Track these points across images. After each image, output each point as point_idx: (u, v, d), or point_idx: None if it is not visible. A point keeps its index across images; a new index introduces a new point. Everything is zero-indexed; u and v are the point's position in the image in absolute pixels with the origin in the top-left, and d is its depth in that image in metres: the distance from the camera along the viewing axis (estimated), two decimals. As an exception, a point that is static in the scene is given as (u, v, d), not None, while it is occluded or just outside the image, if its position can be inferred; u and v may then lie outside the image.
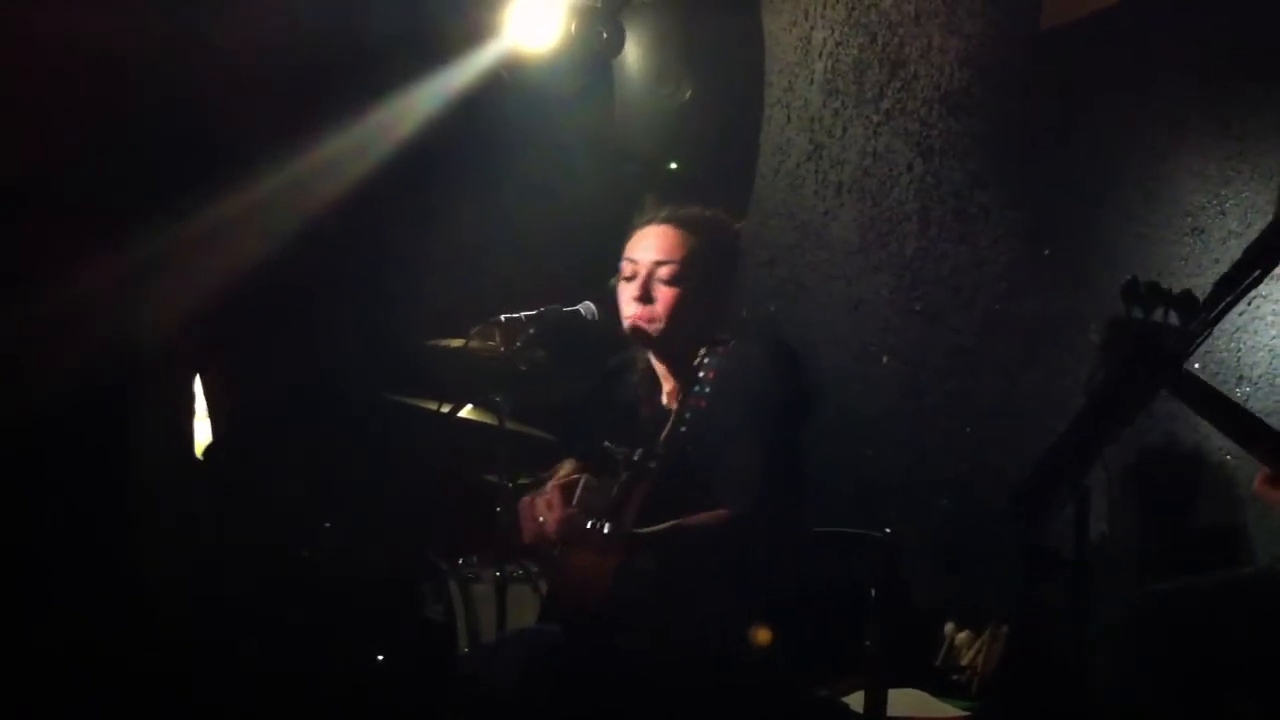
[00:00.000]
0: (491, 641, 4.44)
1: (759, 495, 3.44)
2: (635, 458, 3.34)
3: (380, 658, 4.81)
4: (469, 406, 5.04)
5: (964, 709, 4.28)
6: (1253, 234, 3.34)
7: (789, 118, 5.59)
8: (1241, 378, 4.18)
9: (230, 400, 5.09)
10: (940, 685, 4.45)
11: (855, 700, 3.73)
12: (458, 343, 4.72)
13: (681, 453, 3.57)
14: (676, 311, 3.67)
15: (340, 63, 5.24)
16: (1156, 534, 4.35)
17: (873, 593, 3.69)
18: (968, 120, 5.03)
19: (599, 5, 5.53)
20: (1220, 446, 4.16)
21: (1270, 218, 3.62)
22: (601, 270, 3.78)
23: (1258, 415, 3.22)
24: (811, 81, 5.51)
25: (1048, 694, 4.11)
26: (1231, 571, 3.36)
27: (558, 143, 5.73)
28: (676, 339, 3.69)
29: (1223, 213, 4.28)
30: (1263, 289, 3.60)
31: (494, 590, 4.70)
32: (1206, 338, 3.07)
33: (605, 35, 5.56)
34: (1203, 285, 3.32)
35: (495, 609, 4.66)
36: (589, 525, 3.25)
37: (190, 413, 4.95)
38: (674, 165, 5.77)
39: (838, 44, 5.42)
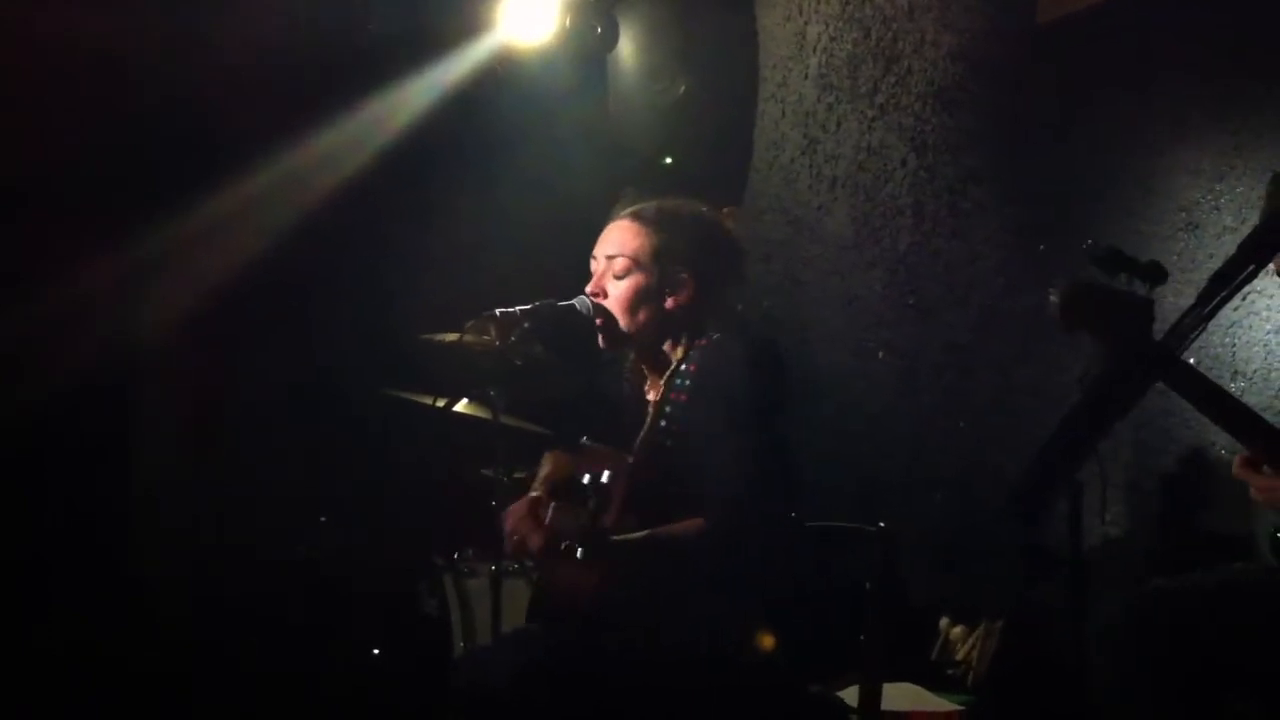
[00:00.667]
0: (486, 644, 4.43)
1: (739, 497, 3.42)
2: (605, 479, 3.33)
3: (376, 653, 4.82)
4: (464, 401, 5.04)
5: (959, 703, 4.29)
6: (1248, 229, 3.34)
7: (783, 112, 5.60)
8: (1236, 373, 4.19)
9: (228, 398, 5.09)
10: (935, 679, 4.46)
11: (851, 695, 3.74)
12: (452, 337, 4.72)
13: (661, 447, 3.58)
14: (628, 306, 3.67)
15: (336, 59, 5.24)
16: (1154, 531, 4.36)
17: (868, 587, 3.70)
18: (962, 115, 5.04)
19: (593, 0, 5.53)
20: (1215, 442, 4.17)
21: (1263, 217, 3.62)
22: (590, 266, 3.78)
23: (1252, 409, 3.22)
24: (806, 76, 5.51)
25: (1042, 689, 4.12)
26: (1231, 569, 3.35)
27: (553, 138, 5.72)
28: (638, 333, 3.69)
29: (1218, 208, 4.28)
30: (1257, 284, 3.61)
31: (489, 585, 4.70)
32: (1201, 332, 3.07)
33: (600, 30, 5.56)
34: (1197, 280, 3.33)
35: (490, 604, 4.66)
36: (563, 546, 3.25)
37: (190, 412, 4.95)
38: (669, 160, 5.77)
39: (832, 39, 5.42)
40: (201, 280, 4.92)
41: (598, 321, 3.67)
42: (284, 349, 5.27)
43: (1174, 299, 4.27)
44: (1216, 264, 3.09)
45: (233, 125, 4.90)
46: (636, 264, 3.66)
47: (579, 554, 3.21)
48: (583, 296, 3.71)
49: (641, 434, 3.62)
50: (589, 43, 5.59)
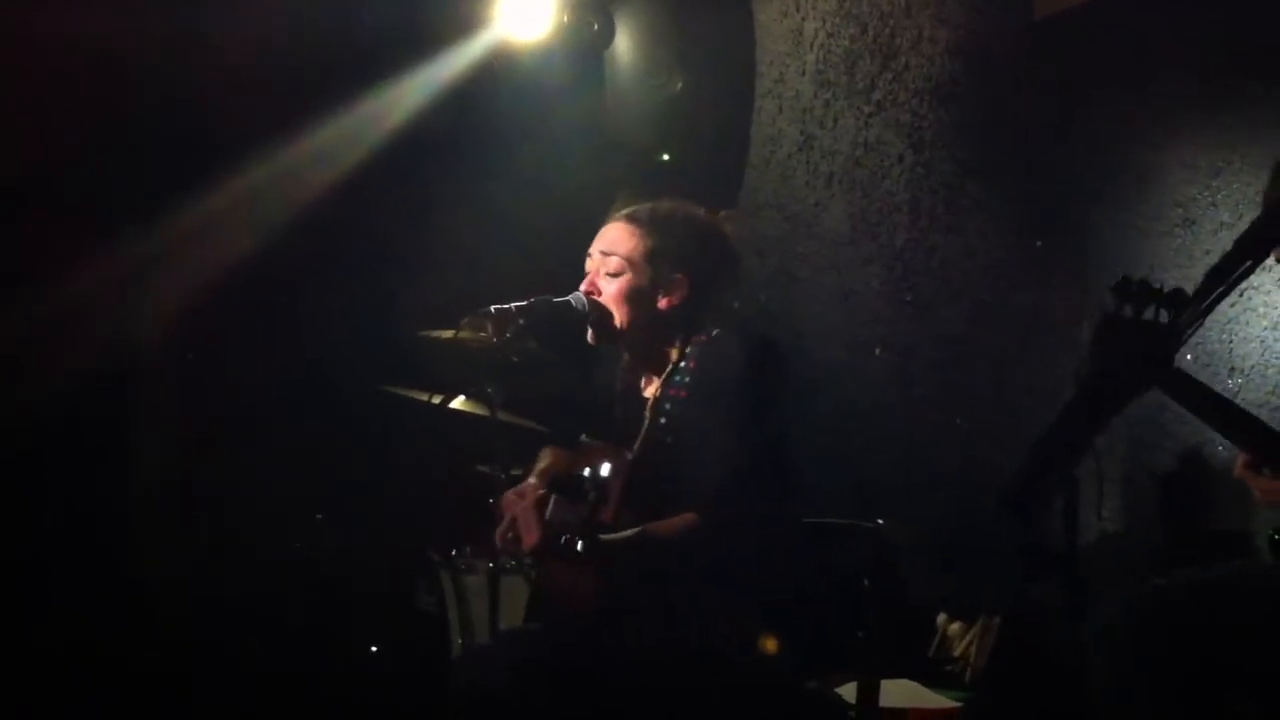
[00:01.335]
0: (485, 642, 4.44)
1: (733, 493, 3.43)
2: (604, 473, 3.33)
3: (374, 650, 4.82)
4: (460, 398, 5.04)
5: (956, 700, 4.29)
6: (1244, 226, 3.34)
7: (780, 109, 5.60)
8: (1233, 369, 4.19)
9: (226, 397, 5.09)
10: (933, 676, 4.46)
11: (849, 691, 3.74)
12: (448, 334, 4.72)
13: (660, 444, 3.58)
14: (621, 304, 3.67)
15: (334, 57, 5.24)
16: (1152, 527, 4.36)
17: (866, 584, 3.70)
18: (959, 111, 5.04)
19: (590, -4, 5.54)
20: (1213, 438, 4.17)
21: (1261, 209, 3.62)
22: (586, 264, 3.78)
23: (1248, 407, 3.23)
24: (803, 73, 5.51)
25: (1040, 686, 4.13)
26: (1230, 567, 3.35)
27: (549, 134, 5.72)
28: (630, 332, 3.69)
29: (1214, 204, 4.29)
30: (1254, 280, 3.62)
31: (487, 581, 4.70)
32: (1198, 329, 3.07)
33: (596, 27, 5.56)
34: (1194, 277, 3.32)
35: (488, 600, 4.67)
36: (563, 540, 3.25)
37: (189, 412, 4.95)
38: (665, 157, 5.77)
39: (829, 35, 5.42)
40: (201, 279, 4.92)
41: (591, 318, 3.68)
42: (281, 347, 5.27)
43: (1171, 295, 4.28)
44: (1213, 260, 3.09)
45: (231, 124, 4.91)
46: (629, 264, 3.67)
47: (579, 548, 3.20)
48: (578, 293, 3.71)
49: (641, 431, 3.62)
50: (586, 39, 5.59)
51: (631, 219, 3.73)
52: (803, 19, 5.51)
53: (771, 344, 3.69)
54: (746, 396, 3.52)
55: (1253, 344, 4.17)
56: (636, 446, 3.60)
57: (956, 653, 4.60)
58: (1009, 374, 4.77)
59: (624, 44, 5.71)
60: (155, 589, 4.70)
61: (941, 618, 4.69)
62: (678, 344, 3.68)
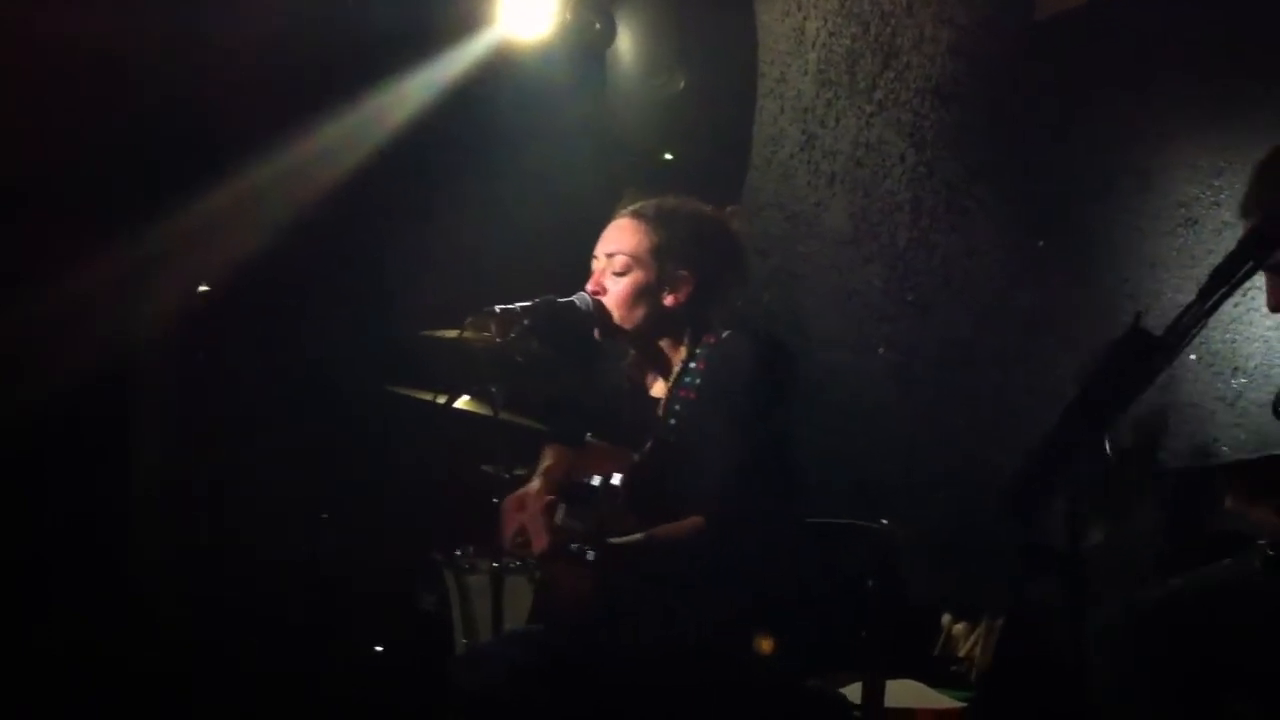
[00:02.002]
0: (489, 642, 4.43)
1: (741, 497, 3.42)
2: (616, 481, 3.32)
3: (377, 650, 4.82)
4: (464, 398, 5.05)
5: (961, 700, 4.29)
6: (1246, 225, 3.35)
7: (782, 108, 5.60)
8: (1236, 369, 4.19)
9: (227, 397, 5.09)
10: (938, 676, 4.46)
11: (853, 691, 3.74)
12: (452, 334, 4.72)
13: (668, 445, 3.57)
14: (627, 303, 3.66)
15: (335, 57, 5.24)
16: (1154, 528, 4.35)
17: (870, 584, 3.70)
18: (960, 111, 5.04)
19: (591, -6, 5.54)
20: (1217, 438, 4.17)
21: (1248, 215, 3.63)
22: (591, 265, 3.78)
23: (1252, 407, 3.23)
24: (804, 72, 5.51)
25: (1043, 687, 4.12)
26: (1232, 569, 3.35)
27: (552, 133, 5.72)
28: (636, 330, 3.69)
29: (1216, 204, 4.28)
30: (1257, 280, 3.61)
31: (490, 581, 4.70)
32: (1202, 328, 3.06)
33: (598, 26, 5.56)
34: (1197, 277, 3.33)
35: (491, 600, 4.67)
36: (573, 548, 3.24)
37: (189, 412, 4.95)
38: (667, 156, 5.77)
39: (830, 34, 5.42)
40: (201, 279, 4.92)
41: (597, 318, 3.67)
42: (284, 347, 5.27)
43: (1174, 295, 4.28)
44: (1216, 259, 3.07)
45: (233, 124, 4.91)
46: (635, 261, 3.65)
47: (589, 557, 3.19)
48: (582, 293, 3.70)
49: (651, 432, 3.61)
50: (587, 39, 5.60)
51: (637, 215, 3.72)
52: (804, 18, 5.51)
53: (781, 346, 3.67)
54: (755, 399, 3.51)
55: (1256, 344, 4.17)
56: (645, 448, 3.59)
57: (961, 653, 4.60)
58: (1011, 374, 4.77)
59: (626, 43, 5.71)
60: (155, 589, 4.70)
61: (946, 618, 4.69)
62: (685, 343, 3.66)
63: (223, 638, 4.71)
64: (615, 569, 3.28)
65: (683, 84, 5.68)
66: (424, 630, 4.90)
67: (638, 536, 3.34)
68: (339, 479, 5.29)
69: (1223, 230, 4.23)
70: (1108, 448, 2.90)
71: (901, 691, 4.13)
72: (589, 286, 3.69)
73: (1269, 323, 4.13)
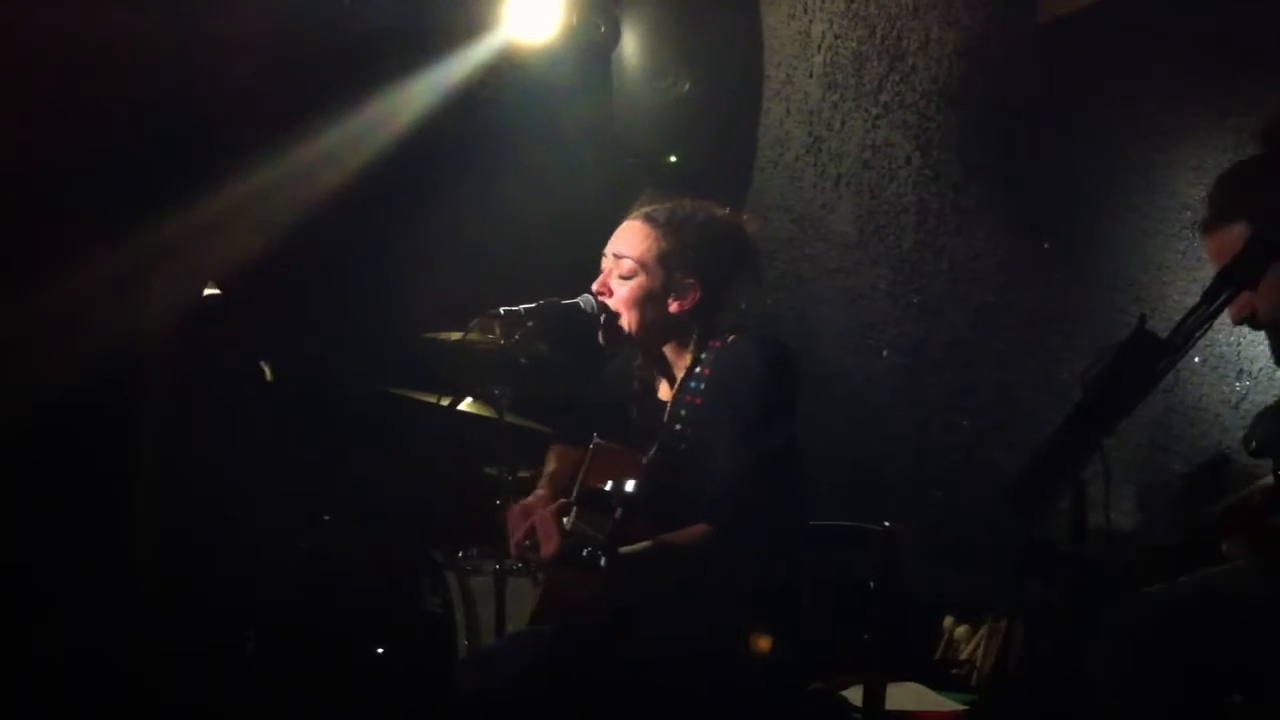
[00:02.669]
0: (493, 644, 4.43)
1: (749, 500, 3.41)
2: (630, 487, 3.29)
3: (379, 651, 4.82)
4: (469, 400, 5.05)
5: (963, 702, 4.28)
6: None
7: (788, 110, 5.59)
8: (1241, 371, 4.19)
9: (229, 397, 5.09)
10: (939, 679, 4.45)
11: (854, 694, 3.73)
12: (457, 336, 4.72)
13: (675, 449, 3.56)
14: (631, 306, 3.65)
15: (339, 56, 5.24)
16: (1158, 529, 4.35)
17: (872, 586, 3.69)
18: (966, 113, 5.04)
19: (597, -2, 5.54)
20: (1220, 440, 4.17)
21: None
22: (601, 263, 3.77)
23: (1256, 409, 3.22)
24: (810, 74, 5.51)
25: (1046, 689, 4.11)
26: (1233, 570, 3.34)
27: (557, 136, 5.72)
28: (640, 334, 3.67)
29: (1221, 206, 4.27)
30: (1261, 281, 3.60)
31: (493, 583, 4.70)
32: (1207, 330, 3.05)
33: (603, 29, 5.56)
34: (1201, 279, 3.32)
35: (494, 602, 4.66)
36: (584, 553, 3.22)
37: (190, 411, 4.94)
38: (673, 158, 5.77)
39: (836, 37, 5.42)
40: (203, 279, 4.91)
41: (601, 319, 3.66)
42: (288, 348, 5.27)
43: (1179, 297, 4.28)
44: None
45: (236, 125, 4.90)
46: (642, 266, 3.64)
47: (602, 563, 3.17)
48: (587, 295, 3.69)
49: (656, 436, 3.59)
50: (592, 41, 5.59)
51: (648, 219, 3.70)
52: (810, 21, 5.51)
53: (786, 349, 3.65)
54: (761, 403, 3.50)
55: (1261, 346, 4.16)
56: (651, 452, 3.57)
57: (963, 655, 4.60)
58: (1016, 375, 4.76)
59: (631, 46, 5.70)
60: (155, 590, 4.70)
61: (948, 620, 4.69)
62: (691, 347, 3.65)
63: (222, 639, 4.71)
64: (622, 574, 3.27)
65: (688, 87, 5.67)
66: (427, 632, 4.89)
67: (646, 544, 3.33)
68: (341, 481, 5.29)
69: (1227, 233, 4.22)
70: (1112, 449, 2.90)
71: (903, 694, 4.12)
72: (595, 286, 3.68)
73: (1274, 325, 4.12)
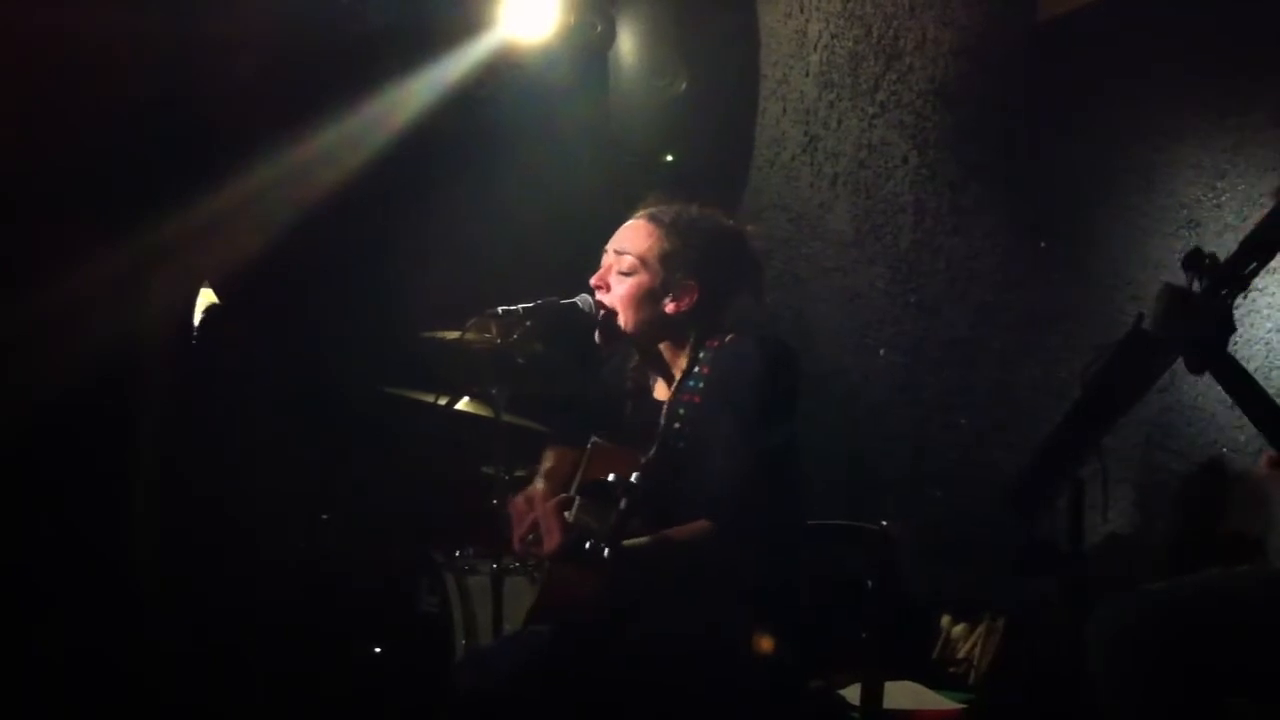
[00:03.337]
0: (491, 643, 4.43)
1: (749, 499, 3.41)
2: (634, 479, 3.29)
3: (376, 651, 4.82)
4: (465, 399, 5.05)
5: (960, 701, 4.29)
6: (1249, 227, 3.35)
7: (784, 110, 5.60)
8: (1237, 370, 4.19)
9: (228, 397, 5.09)
10: (937, 677, 4.46)
11: (852, 693, 3.74)
12: (454, 335, 4.72)
13: (673, 449, 3.56)
14: (628, 304, 3.65)
15: (336, 56, 5.24)
16: (1156, 528, 4.36)
17: (869, 585, 3.69)
18: (963, 112, 5.04)
19: (593, -4, 5.54)
20: (1217, 440, 4.17)
21: (1266, 211, 3.63)
22: (598, 263, 3.78)
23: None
24: (807, 74, 5.51)
25: (1044, 688, 4.12)
26: (1234, 571, 3.35)
27: (554, 135, 5.72)
28: (636, 332, 3.68)
29: (1219, 206, 4.29)
30: (1259, 282, 3.61)
31: (490, 582, 4.70)
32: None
33: (599, 28, 5.56)
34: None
35: (491, 601, 4.67)
36: (586, 545, 3.21)
37: (190, 411, 4.94)
38: (669, 158, 5.77)
39: (833, 36, 5.42)
40: (202, 279, 4.92)
41: (598, 319, 3.66)
42: (286, 348, 5.27)
43: (1176, 296, 4.27)
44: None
45: (234, 125, 4.90)
46: (642, 264, 3.64)
47: (605, 555, 3.16)
48: (584, 295, 3.69)
49: (655, 435, 3.59)
50: (589, 40, 5.59)
51: (653, 218, 3.70)
52: (807, 20, 5.52)
53: (784, 348, 3.65)
54: (759, 403, 3.50)
55: (1258, 345, 4.17)
56: (652, 451, 3.58)
57: (960, 654, 4.60)
58: (1013, 374, 4.77)
59: (628, 45, 5.70)
60: (155, 590, 4.70)
61: (946, 619, 4.70)
62: (688, 348, 3.65)
63: (222, 639, 4.71)
64: (624, 569, 3.26)
65: (685, 86, 5.67)
66: (424, 632, 4.89)
67: (648, 539, 3.33)
68: (339, 480, 5.29)
69: (1225, 232, 4.23)
70: (1111, 448, 2.90)
71: (901, 693, 4.13)
72: (594, 280, 3.68)
73: (1269, 325, 4.14)
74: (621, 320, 3.64)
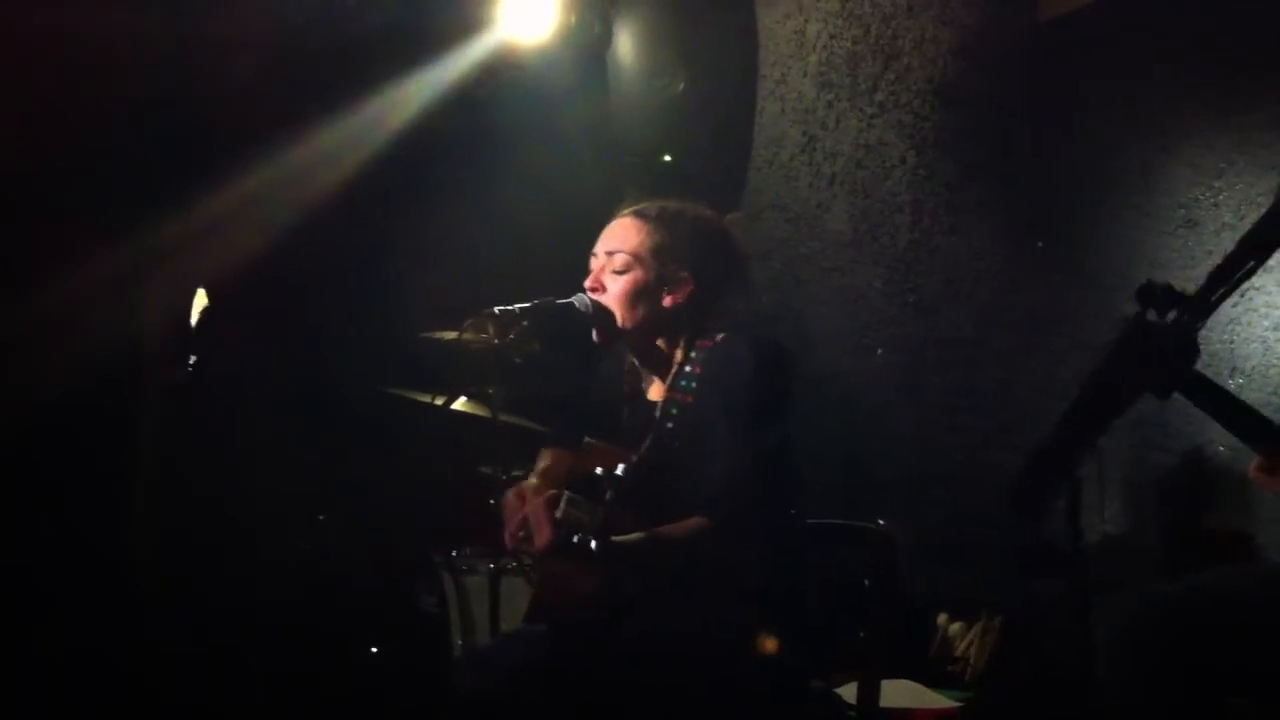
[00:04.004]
0: (488, 643, 4.43)
1: (743, 497, 3.42)
2: (620, 472, 3.29)
3: (374, 650, 4.82)
4: (462, 399, 5.05)
5: (957, 700, 4.30)
6: (1247, 226, 3.35)
7: (783, 110, 5.60)
8: (1235, 369, 4.20)
9: (227, 397, 5.09)
10: (934, 676, 4.46)
11: (849, 691, 3.74)
12: (451, 335, 4.73)
13: (667, 447, 3.57)
14: (625, 301, 3.66)
15: (335, 56, 5.24)
16: (1155, 529, 4.36)
17: (867, 584, 3.70)
18: (961, 112, 5.05)
19: (592, -3, 5.55)
20: (1214, 439, 4.18)
21: (1264, 210, 3.63)
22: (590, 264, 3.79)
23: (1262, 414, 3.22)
24: (805, 74, 5.52)
25: (1041, 687, 4.13)
26: (1233, 571, 3.35)
27: (552, 135, 5.72)
28: (634, 330, 3.68)
29: (1217, 205, 4.29)
30: (1256, 281, 3.61)
31: (488, 582, 4.71)
32: (1200, 330, 3.06)
33: (598, 29, 5.57)
34: (1196, 278, 3.32)
35: (489, 601, 4.67)
36: (575, 540, 3.22)
37: (190, 411, 4.95)
38: (668, 158, 5.77)
39: (832, 36, 5.43)
40: (201, 280, 4.92)
41: (595, 318, 3.67)
42: (283, 348, 5.27)
43: (1175, 296, 4.28)
44: (1216, 260, 3.08)
45: (233, 125, 4.90)
46: (636, 260, 3.64)
47: (593, 547, 3.16)
48: (581, 295, 3.69)
49: (647, 434, 3.61)
50: (588, 41, 5.60)
51: (639, 215, 3.71)
52: (805, 20, 5.52)
53: (778, 348, 3.66)
54: (754, 400, 3.50)
55: (1254, 344, 4.18)
56: (643, 450, 3.59)
57: (957, 653, 4.61)
58: (1012, 374, 4.77)
59: (626, 45, 5.71)
60: (155, 590, 4.70)
61: (942, 617, 4.70)
62: (682, 345, 3.66)
63: (221, 639, 4.71)
64: (616, 565, 3.27)
65: (683, 86, 5.68)
66: (421, 631, 4.89)
67: (641, 535, 3.33)
68: (337, 480, 5.29)
69: (1223, 231, 4.24)
70: (1109, 449, 2.90)
71: (898, 691, 4.13)
72: (588, 283, 3.69)
73: (1267, 324, 4.15)
74: (620, 318, 3.64)
